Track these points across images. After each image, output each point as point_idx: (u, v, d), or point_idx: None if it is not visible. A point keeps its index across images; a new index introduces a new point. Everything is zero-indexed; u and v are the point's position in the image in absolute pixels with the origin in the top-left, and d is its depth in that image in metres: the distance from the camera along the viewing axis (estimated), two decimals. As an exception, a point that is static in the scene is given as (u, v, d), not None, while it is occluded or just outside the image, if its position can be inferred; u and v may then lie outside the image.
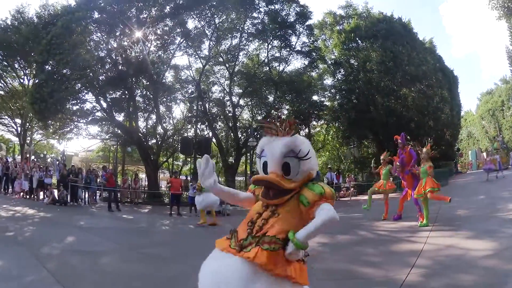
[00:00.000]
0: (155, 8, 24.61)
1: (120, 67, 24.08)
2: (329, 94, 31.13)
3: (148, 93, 26.67)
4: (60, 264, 6.86)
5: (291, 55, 28.46)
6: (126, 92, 25.44)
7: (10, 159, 26.20)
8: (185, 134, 28.81)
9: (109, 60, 24.87)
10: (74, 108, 24.87)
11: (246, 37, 27.58)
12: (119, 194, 19.60)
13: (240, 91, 29.43)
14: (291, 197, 2.59)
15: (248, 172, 29.88)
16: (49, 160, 38.12)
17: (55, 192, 18.51)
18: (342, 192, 23.42)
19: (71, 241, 9.51)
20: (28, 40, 29.09)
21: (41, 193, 19.29)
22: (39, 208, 15.70)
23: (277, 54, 28.55)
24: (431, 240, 7.48)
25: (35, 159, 29.43)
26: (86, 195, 19.23)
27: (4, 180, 20.58)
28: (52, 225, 12.02)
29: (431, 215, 9.53)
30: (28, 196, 19.32)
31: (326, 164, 34.43)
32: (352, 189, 23.18)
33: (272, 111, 26.41)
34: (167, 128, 28.81)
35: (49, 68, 22.91)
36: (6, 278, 5.91)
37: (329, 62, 30.43)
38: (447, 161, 27.90)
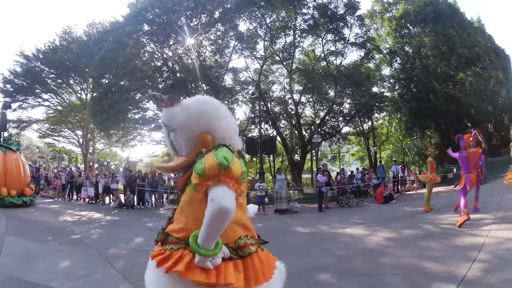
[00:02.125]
0: (205, 15, 25.59)
1: (178, 75, 25.21)
2: (388, 85, 31.07)
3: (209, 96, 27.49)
4: (127, 263, 7.21)
5: (346, 48, 28.52)
6: (187, 97, 26.28)
7: (74, 168, 28.00)
8: (250, 135, 29.52)
9: (166, 69, 26.13)
10: (136, 116, 26.31)
11: (299, 33, 27.88)
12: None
13: (300, 88, 29.76)
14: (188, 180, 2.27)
15: (314, 169, 29.89)
16: (112, 167, 40.58)
17: (122, 196, 19.82)
18: (407, 185, 23.36)
19: (139, 242, 10.05)
20: (80, 57, 31.74)
21: (107, 198, 20.64)
22: (105, 212, 16.59)
23: (332, 48, 28.77)
24: (492, 233, 7.61)
25: (100, 167, 31.42)
26: (153, 198, 20.44)
27: (69, 187, 22.20)
28: (119, 227, 12.77)
29: (492, 206, 9.86)
30: (93, 202, 20.62)
31: (390, 158, 34.62)
32: (416, 182, 22.85)
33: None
34: None
35: (106, 81, 24.58)
36: (74, 277, 6.30)
37: (385, 52, 30.36)
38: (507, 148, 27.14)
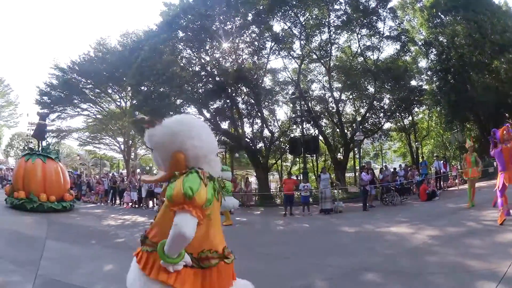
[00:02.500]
0: (238, 18, 25.81)
1: (217, 78, 25.54)
2: (425, 77, 30.58)
3: (249, 99, 27.85)
4: None
5: (382, 42, 28.29)
6: (228, 101, 26.94)
7: (116, 174, 28.89)
8: (291, 135, 29.66)
9: (205, 74, 26.54)
10: None
11: (333, 30, 27.80)
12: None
13: (340, 85, 29.70)
14: None
15: (357, 167, 30.00)
16: (154, 172, 41.67)
17: None
18: (449, 181, 22.98)
19: None
20: (116, 66, 32.93)
21: (150, 202, 21.24)
22: (149, 216, 16.51)
23: (368, 43, 28.61)
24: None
25: (142, 172, 32.40)
26: None
27: (111, 193, 23.05)
28: None
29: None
30: (136, 206, 21.22)
31: (432, 153, 34.08)
32: (458, 178, 22.61)
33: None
34: (273, 130, 29.83)
35: (145, 89, 25.25)
36: (119, 280, 6.22)
37: (420, 43, 29.94)
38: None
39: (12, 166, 31.05)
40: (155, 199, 20.98)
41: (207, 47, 26.22)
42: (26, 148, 19.06)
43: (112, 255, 8.26)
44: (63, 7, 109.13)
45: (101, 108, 40.37)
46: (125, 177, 25.47)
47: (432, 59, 29.46)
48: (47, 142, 18.86)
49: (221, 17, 25.73)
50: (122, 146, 41.32)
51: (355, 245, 8.99)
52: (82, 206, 20.21)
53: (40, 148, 17.19)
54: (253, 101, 27.56)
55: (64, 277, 6.28)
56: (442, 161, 22.83)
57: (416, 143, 32.94)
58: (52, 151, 17.49)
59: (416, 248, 7.77)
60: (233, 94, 26.93)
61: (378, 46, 28.40)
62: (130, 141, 40.75)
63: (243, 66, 25.38)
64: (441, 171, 21.61)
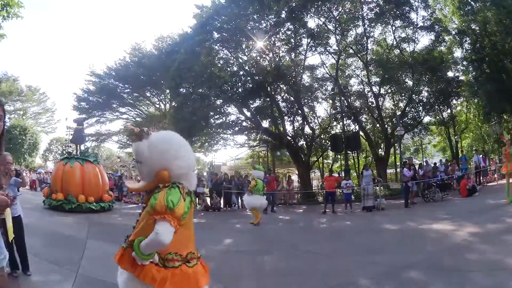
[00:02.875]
0: (271, 16, 25.95)
1: (256, 77, 25.74)
2: (461, 68, 29.84)
3: (289, 96, 28.38)
4: (218, 264, 7.26)
5: (416, 33, 27.93)
6: (268, 99, 27.21)
7: None
8: (332, 132, 29.74)
9: (243, 73, 26.79)
10: (218, 122, 27.34)
11: (368, 23, 27.62)
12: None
13: (378, 79, 29.29)
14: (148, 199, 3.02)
15: (398, 163, 29.62)
16: (195, 172, 42.71)
17: (208, 199, 20.90)
18: (488, 176, 22.64)
19: (228, 243, 10.54)
20: (153, 70, 33.60)
21: None
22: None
23: (403, 35, 28.32)
24: None
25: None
26: (240, 200, 20.60)
27: None
28: (207, 229, 13.01)
29: None
30: None
31: (471, 147, 33.70)
32: (497, 172, 21.73)
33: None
34: (314, 127, 29.75)
35: (184, 91, 25.73)
36: None
37: (453, 33, 29.11)
38: None
39: (50, 170, 31.75)
40: (197, 199, 21.18)
41: (244, 47, 26.43)
42: (64, 152, 20.21)
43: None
44: (95, 16, 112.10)
45: (140, 111, 41.65)
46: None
47: (467, 48, 28.79)
48: (85, 146, 19.98)
49: (254, 16, 25.97)
50: (164, 148, 42.24)
51: (397, 242, 9.16)
52: (123, 206, 20.90)
53: (78, 152, 18.17)
54: (292, 99, 27.61)
55: (105, 276, 6.28)
56: (481, 155, 22.65)
57: (455, 137, 32.39)
58: (90, 155, 18.56)
59: (457, 246, 7.94)
60: (273, 93, 27.06)
61: (413, 38, 28.01)
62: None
63: (281, 64, 25.41)
64: (481, 165, 21.38)
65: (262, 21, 26.41)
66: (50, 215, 14.23)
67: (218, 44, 26.64)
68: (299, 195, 25.03)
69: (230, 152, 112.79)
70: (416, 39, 28.09)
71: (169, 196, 2.85)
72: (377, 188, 18.85)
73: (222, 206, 20.57)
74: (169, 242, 2.78)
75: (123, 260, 3.03)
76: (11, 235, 3.56)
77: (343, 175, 22.50)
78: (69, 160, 16.92)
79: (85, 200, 15.91)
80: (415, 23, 27.53)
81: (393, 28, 28.03)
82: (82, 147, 19.12)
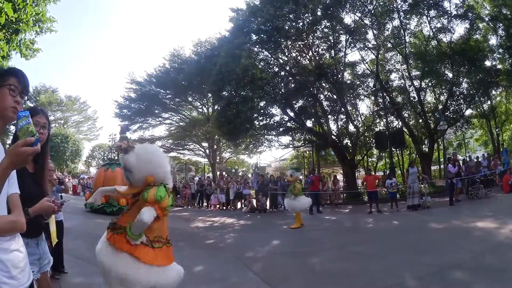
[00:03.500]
0: (307, 15, 25.93)
1: (297, 77, 25.69)
2: (498, 56, 28.81)
3: (332, 95, 28.31)
4: (266, 266, 7.59)
5: (451, 22, 27.28)
6: (310, 98, 27.24)
7: (202, 178, 30.23)
8: (376, 129, 29.71)
9: (285, 73, 26.98)
10: (262, 123, 27.50)
11: (403, 15, 27.19)
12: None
13: (418, 73, 28.79)
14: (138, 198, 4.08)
15: (441, 159, 29.14)
16: (240, 174, 43.57)
17: (254, 201, 21.16)
18: None
19: (275, 244, 10.57)
20: (194, 75, 34.43)
21: (238, 203, 22.20)
22: (238, 217, 17.59)
23: (438, 25, 27.72)
24: None
25: (229, 175, 33.94)
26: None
27: (199, 196, 24.11)
28: (253, 231, 13.43)
29: None
30: (224, 208, 22.22)
31: (512, 139, 32.34)
32: None
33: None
34: (358, 125, 29.66)
35: (227, 94, 26.10)
36: (209, 280, 6.78)
37: (486, 19, 28.26)
38: None
39: (93, 176, 33.21)
40: (243, 200, 21.89)
41: (283, 47, 26.49)
42: (105, 158, 21.48)
43: (202, 256, 8.65)
44: (132, 25, 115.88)
45: (183, 116, 42.69)
46: (211, 180, 26.42)
47: (501, 35, 28.03)
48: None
49: (290, 16, 26.00)
50: (207, 151, 42.98)
51: (443, 242, 9.10)
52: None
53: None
54: (335, 97, 27.53)
55: None
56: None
57: (496, 130, 31.61)
58: None
59: (501, 244, 8.02)
60: (315, 92, 27.03)
61: (449, 27, 27.42)
62: (215, 145, 42.35)
63: (321, 62, 25.33)
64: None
65: (299, 20, 26.42)
66: (93, 218, 15.14)
67: (257, 46, 26.83)
68: (344, 194, 24.96)
69: (275, 153, 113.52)
70: (451, 29, 27.51)
71: (158, 192, 3.89)
72: (422, 185, 18.57)
73: (268, 207, 20.77)
74: (149, 221, 3.74)
75: (119, 241, 3.92)
76: (54, 240, 4.01)
77: (388, 173, 22.43)
78: (110, 166, 18.54)
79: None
80: (449, 12, 26.97)
81: (428, 18, 27.56)
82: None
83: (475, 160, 22.21)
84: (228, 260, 8.26)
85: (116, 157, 21.10)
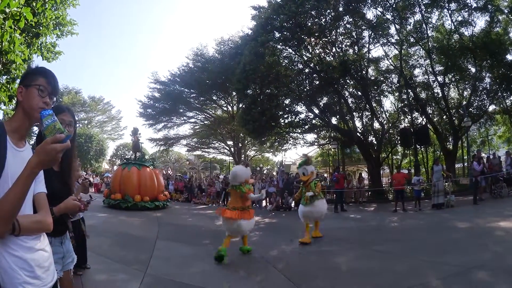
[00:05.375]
0: (329, 11, 25.86)
1: (322, 74, 25.49)
2: None
3: (356, 91, 28.40)
4: (290, 264, 7.64)
5: (472, 15, 26.77)
6: (335, 95, 27.27)
7: (227, 176, 31.16)
8: (400, 126, 29.21)
9: (309, 70, 26.88)
10: (287, 121, 27.67)
11: (424, 9, 26.81)
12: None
13: (442, 68, 28.39)
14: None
15: (465, 157, 28.61)
16: (265, 171, 43.80)
17: (279, 199, 21.17)
18: None
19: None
20: (218, 74, 34.60)
21: (263, 201, 22.30)
22: (263, 215, 17.57)
23: (459, 18, 27.27)
24: None
25: (254, 173, 34.30)
26: None
27: (223, 194, 24.16)
28: (278, 229, 13.58)
29: None
30: None
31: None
32: None
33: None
34: (383, 122, 29.37)
35: (251, 92, 26.20)
36: (236, 278, 6.81)
37: (505, 11, 27.22)
38: None
39: None
40: (268, 198, 22.02)
41: (306, 44, 26.45)
42: (123, 159, 23.24)
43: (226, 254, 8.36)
44: (153, 26, 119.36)
45: (207, 115, 43.22)
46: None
47: None
48: (141, 154, 23.12)
49: (312, 12, 25.88)
50: (232, 149, 43.28)
51: (467, 241, 9.04)
52: (193, 207, 22.27)
53: (136, 158, 21.41)
54: (360, 94, 27.51)
55: (175, 276, 6.71)
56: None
57: None
58: (147, 160, 22.39)
59: None
60: (340, 88, 26.98)
61: (470, 20, 26.96)
62: (240, 144, 42.55)
63: (345, 58, 24.85)
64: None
65: (321, 17, 26.39)
66: (116, 215, 15.87)
67: (281, 43, 26.77)
68: (369, 192, 24.88)
69: (300, 151, 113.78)
70: (472, 22, 27.08)
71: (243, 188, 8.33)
72: (447, 184, 18.38)
73: (293, 205, 20.48)
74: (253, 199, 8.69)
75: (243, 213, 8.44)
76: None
77: (413, 171, 22.23)
78: (127, 165, 20.13)
79: (141, 199, 18.52)
80: (469, 4, 26.52)
81: (449, 11, 27.15)
82: (138, 154, 22.47)
83: (499, 157, 21.47)
84: (253, 259, 8.39)
85: (133, 157, 22.67)
